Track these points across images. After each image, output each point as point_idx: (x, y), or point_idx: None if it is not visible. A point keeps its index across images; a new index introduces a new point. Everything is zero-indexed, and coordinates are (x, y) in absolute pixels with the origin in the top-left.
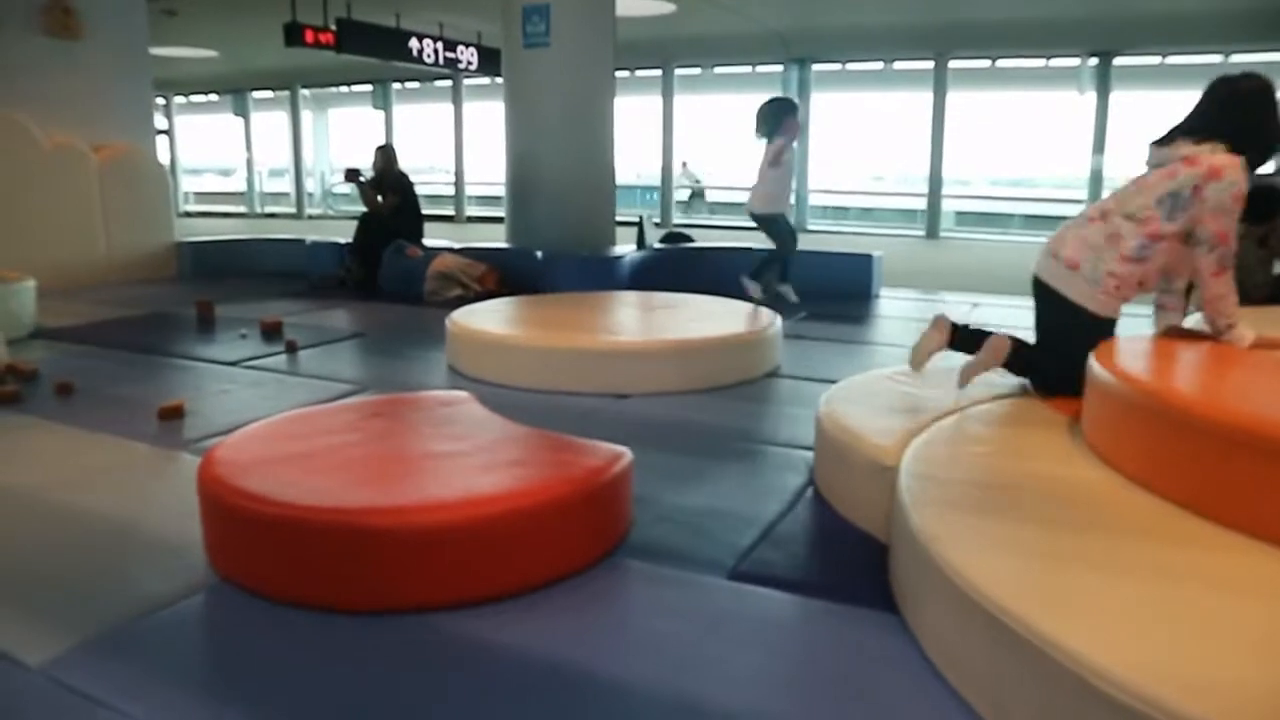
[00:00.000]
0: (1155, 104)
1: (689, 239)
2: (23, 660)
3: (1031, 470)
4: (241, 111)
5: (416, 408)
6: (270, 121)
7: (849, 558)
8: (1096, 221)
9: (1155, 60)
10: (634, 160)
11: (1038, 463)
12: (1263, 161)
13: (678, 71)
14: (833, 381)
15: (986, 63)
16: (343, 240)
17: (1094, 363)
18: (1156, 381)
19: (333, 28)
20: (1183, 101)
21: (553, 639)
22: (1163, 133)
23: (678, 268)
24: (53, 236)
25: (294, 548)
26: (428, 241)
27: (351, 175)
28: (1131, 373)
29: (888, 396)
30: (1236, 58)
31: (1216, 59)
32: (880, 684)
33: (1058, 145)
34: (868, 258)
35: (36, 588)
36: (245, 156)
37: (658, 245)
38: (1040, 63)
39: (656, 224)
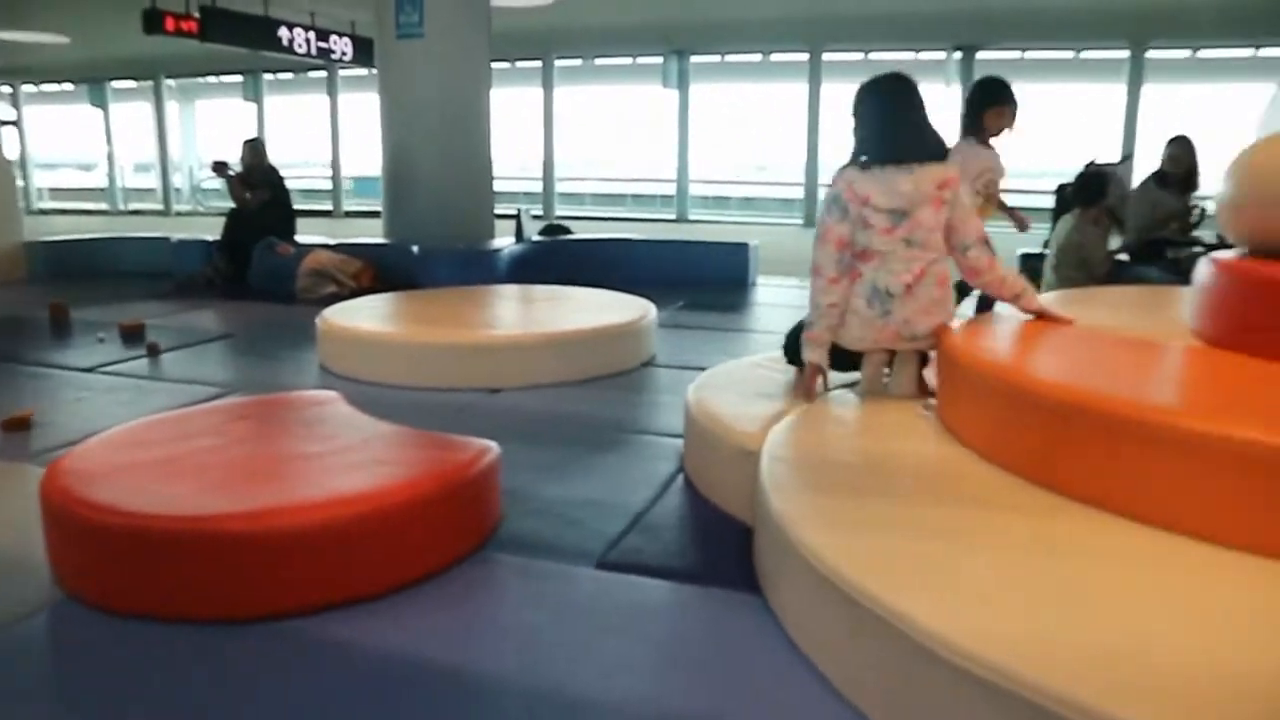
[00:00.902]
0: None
1: (568, 231)
2: None
3: (887, 450)
4: (100, 102)
5: (282, 409)
6: (133, 113)
7: (716, 542)
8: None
9: (1016, 55)
10: (516, 152)
11: (893, 442)
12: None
13: (558, 63)
14: (706, 369)
15: (859, 55)
16: (211, 238)
17: (945, 343)
18: (996, 359)
19: (196, 15)
20: (1039, 94)
21: (418, 637)
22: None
23: (557, 260)
24: None
25: (144, 558)
26: (301, 238)
27: (219, 168)
28: (974, 352)
29: (755, 383)
30: (1088, 54)
31: (1069, 55)
32: (743, 664)
33: None
34: (744, 246)
35: None
36: (106, 150)
37: (536, 238)
38: (910, 55)
39: (536, 216)
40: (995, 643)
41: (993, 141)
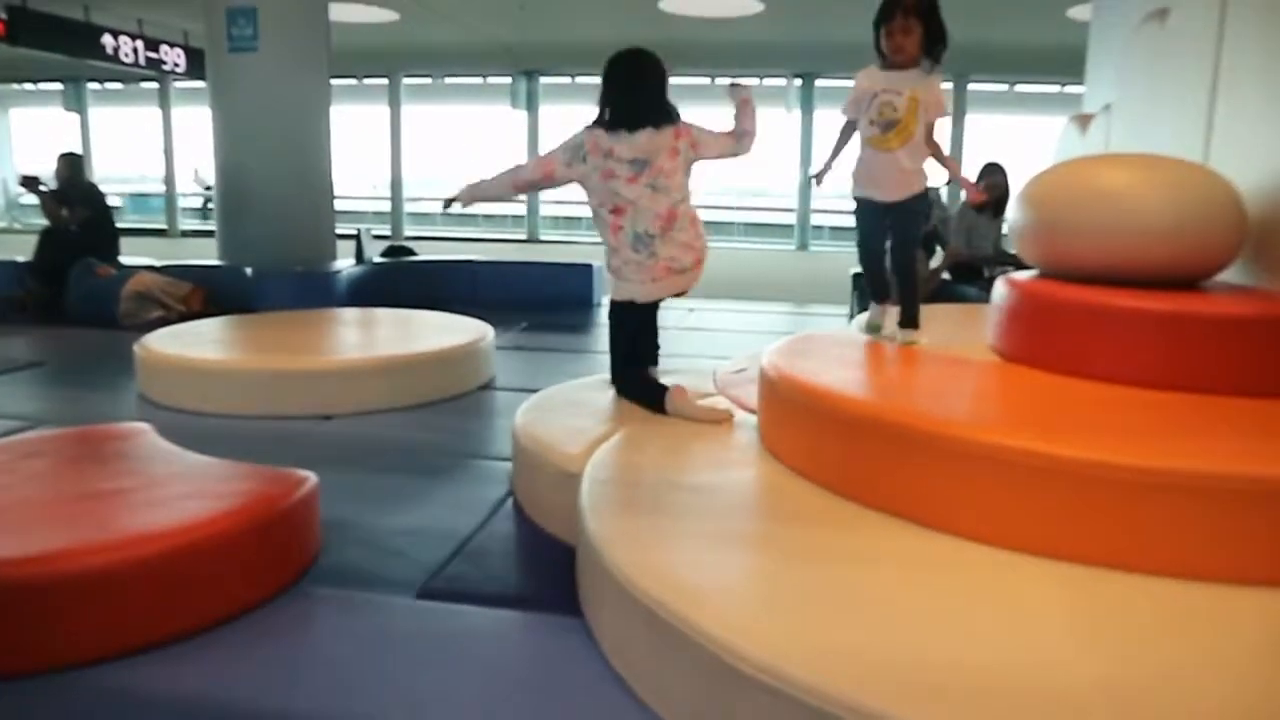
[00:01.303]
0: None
1: (412, 252)
2: None
3: (706, 469)
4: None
5: (84, 443)
6: (29, 119)
7: (541, 567)
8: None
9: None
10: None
11: (713, 462)
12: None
13: (406, 81)
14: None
15: (706, 80)
16: (22, 259)
17: (763, 361)
18: (805, 377)
19: (3, 15)
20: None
21: (222, 680)
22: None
23: (399, 282)
24: None
25: None
26: (127, 259)
27: (29, 183)
28: (787, 370)
29: (585, 405)
30: None
31: None
32: (561, 687)
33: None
34: (589, 268)
35: None
36: None
37: (378, 259)
38: (754, 81)
39: (379, 237)
40: (786, 653)
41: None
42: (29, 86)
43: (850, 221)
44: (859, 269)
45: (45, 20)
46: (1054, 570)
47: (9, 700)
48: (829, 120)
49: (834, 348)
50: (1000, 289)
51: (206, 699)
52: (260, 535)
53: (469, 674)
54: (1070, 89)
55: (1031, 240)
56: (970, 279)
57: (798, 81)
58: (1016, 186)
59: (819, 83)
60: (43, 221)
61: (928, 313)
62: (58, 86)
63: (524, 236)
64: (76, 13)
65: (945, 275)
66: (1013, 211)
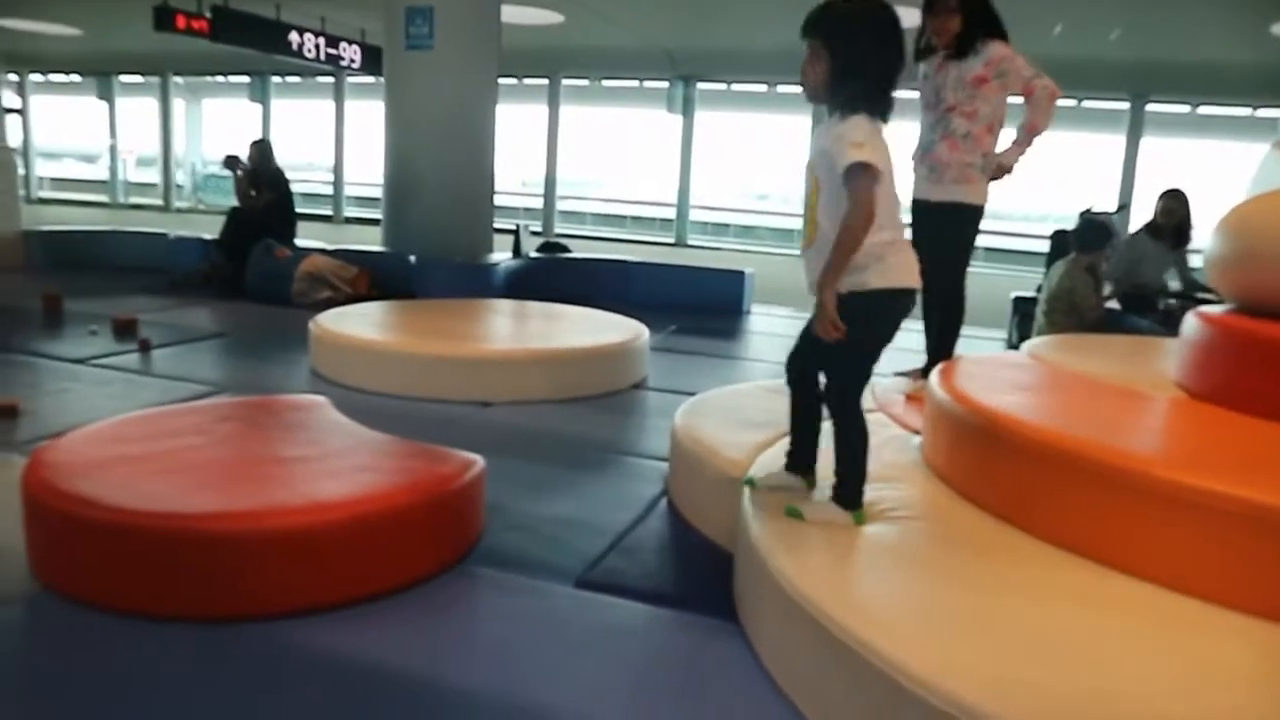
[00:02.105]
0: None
1: (566, 249)
2: None
3: (868, 485)
4: (106, 95)
5: (269, 412)
6: (139, 108)
7: (696, 567)
8: None
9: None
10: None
11: (876, 477)
12: None
13: (565, 82)
14: (695, 394)
15: None
16: (209, 236)
17: (932, 383)
18: (980, 399)
19: (208, 15)
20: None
21: (395, 647)
22: None
23: (553, 278)
24: None
25: (123, 554)
26: (301, 241)
27: (231, 162)
28: (960, 391)
29: (743, 410)
30: (1088, 103)
31: (1070, 103)
32: (717, 690)
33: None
34: (740, 274)
35: None
36: (109, 143)
37: (534, 254)
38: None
39: (535, 233)
40: (962, 679)
41: None
42: (219, 79)
43: (1003, 242)
44: (1021, 293)
45: (242, 18)
46: (1245, 625)
47: (201, 643)
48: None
49: (1004, 370)
50: (1192, 323)
51: (375, 662)
52: (433, 512)
53: (625, 667)
54: (1265, 112)
55: (1229, 273)
56: (1142, 310)
57: None
58: (1201, 215)
59: None
60: (225, 203)
61: (1094, 342)
62: (245, 79)
63: (672, 240)
64: (269, 11)
65: (1113, 305)
66: (1209, 242)
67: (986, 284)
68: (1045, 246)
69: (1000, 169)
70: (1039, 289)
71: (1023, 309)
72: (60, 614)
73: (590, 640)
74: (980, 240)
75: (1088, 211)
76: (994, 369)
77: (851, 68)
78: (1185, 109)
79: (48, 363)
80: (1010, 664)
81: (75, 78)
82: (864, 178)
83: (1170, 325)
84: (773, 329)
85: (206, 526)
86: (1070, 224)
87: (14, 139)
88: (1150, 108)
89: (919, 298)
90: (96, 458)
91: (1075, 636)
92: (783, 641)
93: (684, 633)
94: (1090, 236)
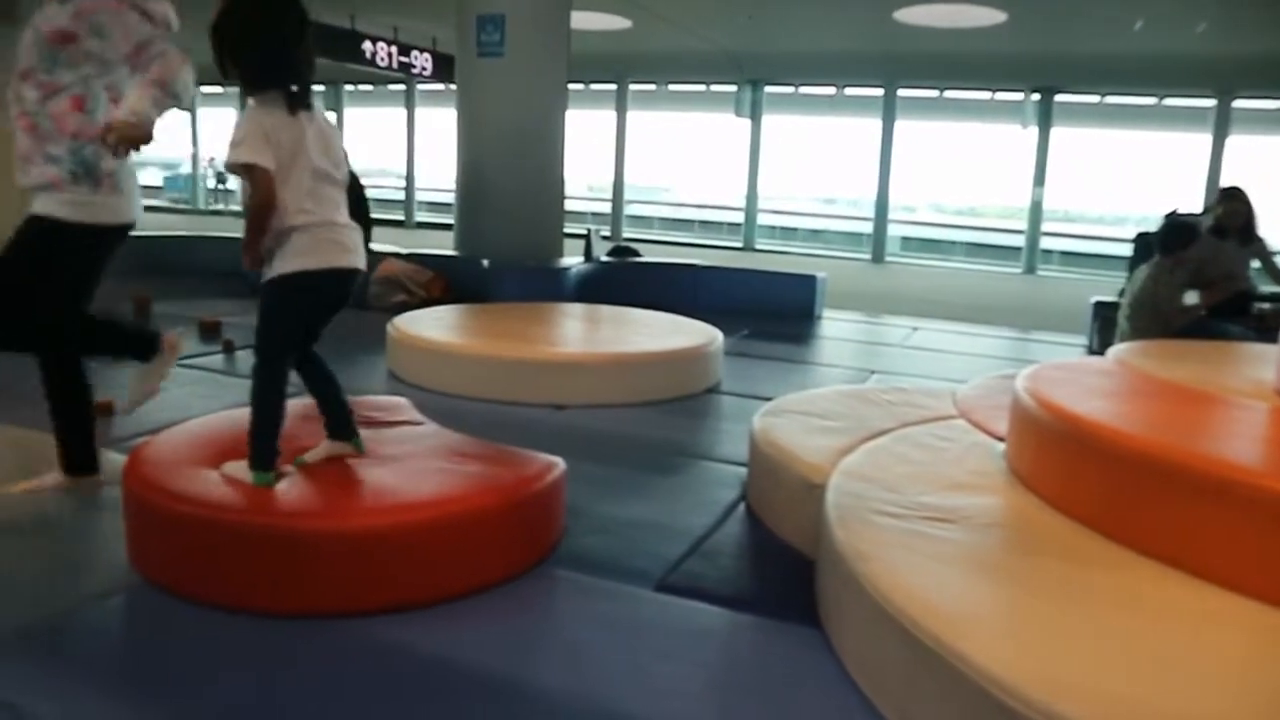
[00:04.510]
0: (1094, 141)
1: (636, 253)
2: None
3: (953, 491)
4: (189, 106)
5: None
6: (219, 117)
7: (776, 573)
8: None
9: (1094, 99)
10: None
11: (961, 484)
12: None
13: (632, 87)
14: (770, 399)
15: (935, 93)
16: None
17: (1017, 386)
18: (1073, 408)
19: None
20: (1120, 140)
21: (479, 646)
22: None
23: (623, 282)
24: None
25: (217, 549)
26: (376, 246)
27: None
28: (1048, 398)
29: (822, 415)
30: (1170, 100)
31: (1151, 100)
32: (799, 697)
33: (1002, 176)
34: (812, 279)
35: None
36: (191, 152)
37: (604, 259)
38: (987, 96)
39: (604, 237)
40: (1066, 695)
41: None
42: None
43: (1081, 245)
44: (1101, 297)
45: (319, 29)
46: None
47: (291, 638)
48: (1066, 137)
49: (1090, 376)
50: None
51: (459, 661)
52: (516, 514)
53: (707, 671)
54: None
55: None
56: (1232, 314)
57: (1035, 96)
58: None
59: (1058, 98)
60: None
61: (1182, 348)
62: (319, 88)
63: (739, 244)
64: (344, 21)
65: (1196, 306)
66: None
67: (1065, 289)
68: (1126, 249)
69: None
70: (1121, 293)
71: (1104, 314)
72: (157, 605)
73: (671, 644)
74: (1056, 244)
75: (1173, 213)
76: (1080, 375)
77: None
78: (1276, 105)
79: (138, 363)
80: (1107, 679)
81: None
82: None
83: (1263, 330)
84: (845, 334)
85: (298, 525)
86: (1153, 226)
87: None
88: (1236, 104)
89: None
90: (191, 456)
91: (1174, 653)
92: (869, 649)
93: (766, 638)
94: (1175, 239)
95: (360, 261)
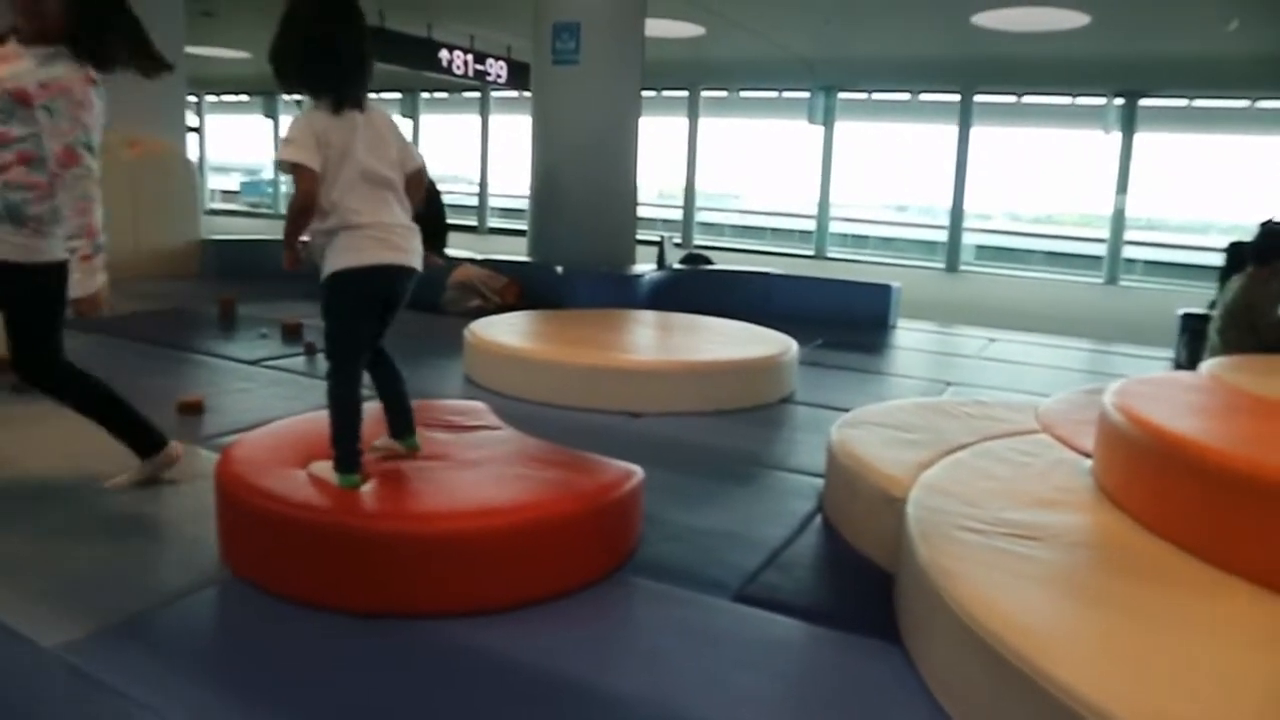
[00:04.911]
0: (1180, 146)
1: (708, 261)
2: (39, 641)
3: (1039, 508)
4: (271, 113)
5: (432, 416)
6: None
7: (854, 586)
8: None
9: (1181, 103)
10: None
11: (1046, 500)
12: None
13: (704, 93)
14: (846, 410)
15: (1012, 98)
16: None
17: (1106, 402)
18: (1168, 425)
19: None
20: (1208, 144)
21: (558, 651)
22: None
23: (696, 289)
24: None
25: (307, 549)
26: (451, 251)
27: None
28: (1143, 415)
29: (900, 427)
30: (1263, 103)
31: (1243, 104)
32: (880, 712)
33: (1081, 183)
34: (886, 288)
35: (54, 571)
36: (272, 158)
37: (677, 266)
38: (1066, 100)
39: (677, 244)
40: None
41: None
42: (372, 96)
43: (1166, 255)
44: (1190, 309)
45: (398, 38)
46: None
47: (376, 636)
48: (1151, 143)
49: (1183, 392)
50: None
51: (543, 665)
52: (595, 520)
53: (786, 683)
54: None
55: None
56: None
57: (1118, 101)
58: None
59: (1142, 102)
60: None
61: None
62: (396, 96)
63: (811, 252)
64: (421, 30)
65: None
66: None
67: (1149, 299)
68: (1215, 259)
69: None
70: (1211, 305)
71: (1192, 326)
72: (247, 600)
73: (749, 655)
74: (1140, 253)
75: (1269, 222)
76: (1172, 390)
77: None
78: None
79: (226, 363)
80: (1209, 712)
81: (244, 97)
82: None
83: None
84: (920, 344)
85: (382, 527)
86: (1245, 234)
87: (191, 155)
88: None
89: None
90: (280, 455)
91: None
92: (954, 668)
93: (844, 652)
94: (1270, 248)
95: (412, 261)
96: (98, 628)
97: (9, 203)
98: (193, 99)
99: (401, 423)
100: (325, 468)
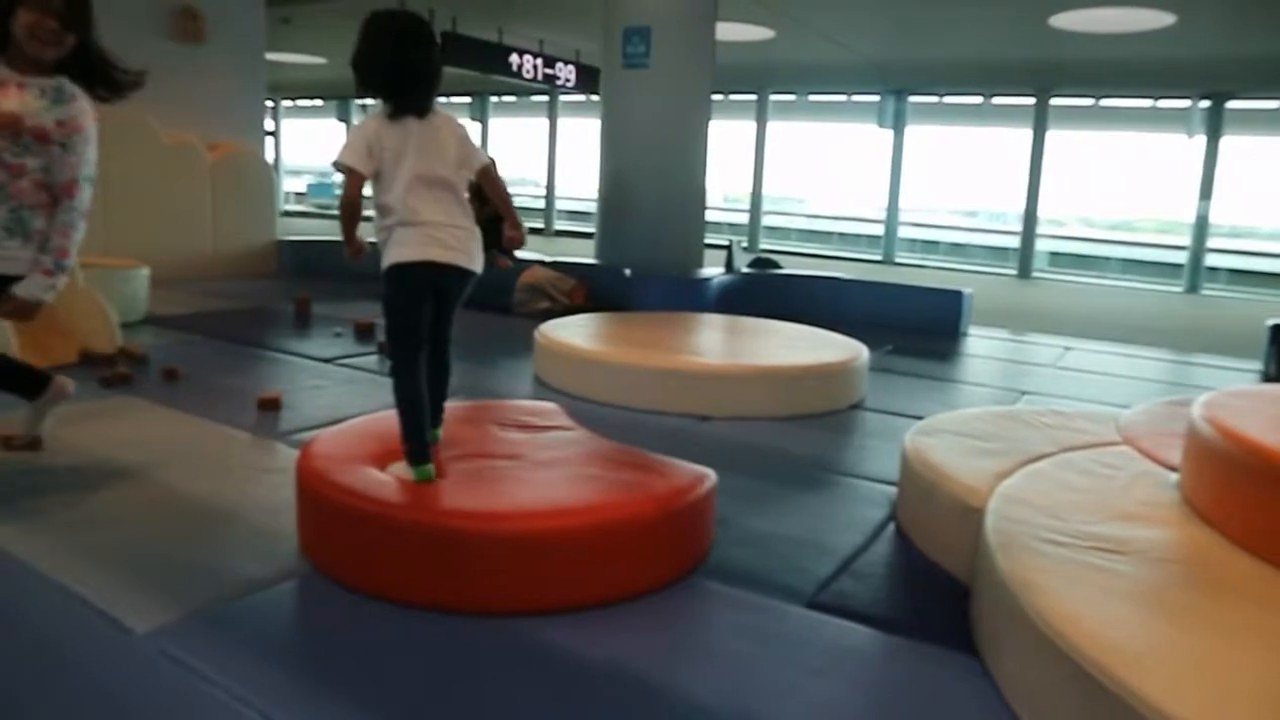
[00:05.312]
0: (1269, 150)
1: (777, 265)
2: (130, 627)
3: (1123, 521)
4: (344, 117)
5: (506, 415)
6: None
7: (929, 596)
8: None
9: (1272, 105)
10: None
11: (1131, 514)
12: None
13: (772, 97)
14: (918, 417)
15: (1090, 101)
16: None
17: (1194, 414)
18: (1263, 439)
19: (438, 40)
20: None
21: (634, 653)
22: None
23: (764, 293)
24: (166, 228)
25: (385, 544)
26: (520, 253)
27: None
28: (1235, 429)
29: (976, 436)
30: None
31: None
32: None
33: (1161, 188)
34: (958, 294)
35: (143, 560)
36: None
37: (745, 270)
38: (1147, 103)
39: (745, 248)
40: None
41: None
42: (442, 99)
43: (1254, 264)
44: (1279, 320)
45: (469, 43)
46: None
47: (451, 633)
48: (1237, 147)
49: (1276, 406)
50: None
51: (619, 666)
52: (669, 523)
53: (862, 692)
54: None
55: None
56: None
57: (1204, 103)
58: None
59: (1230, 104)
60: None
61: None
62: (466, 99)
63: (879, 257)
64: (492, 35)
65: None
66: None
67: (1234, 309)
68: None
69: (11, 317)
70: None
71: None
72: (327, 594)
73: (823, 663)
74: (1224, 261)
75: None
76: (1264, 403)
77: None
78: None
79: (302, 361)
80: None
81: (318, 101)
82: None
83: None
84: (992, 352)
85: (459, 525)
86: None
87: (268, 157)
88: None
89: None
90: (359, 452)
91: None
92: (1035, 682)
93: (920, 662)
94: None
95: (460, 260)
96: (187, 615)
97: (21, 220)
98: (269, 103)
99: (433, 412)
100: (402, 467)
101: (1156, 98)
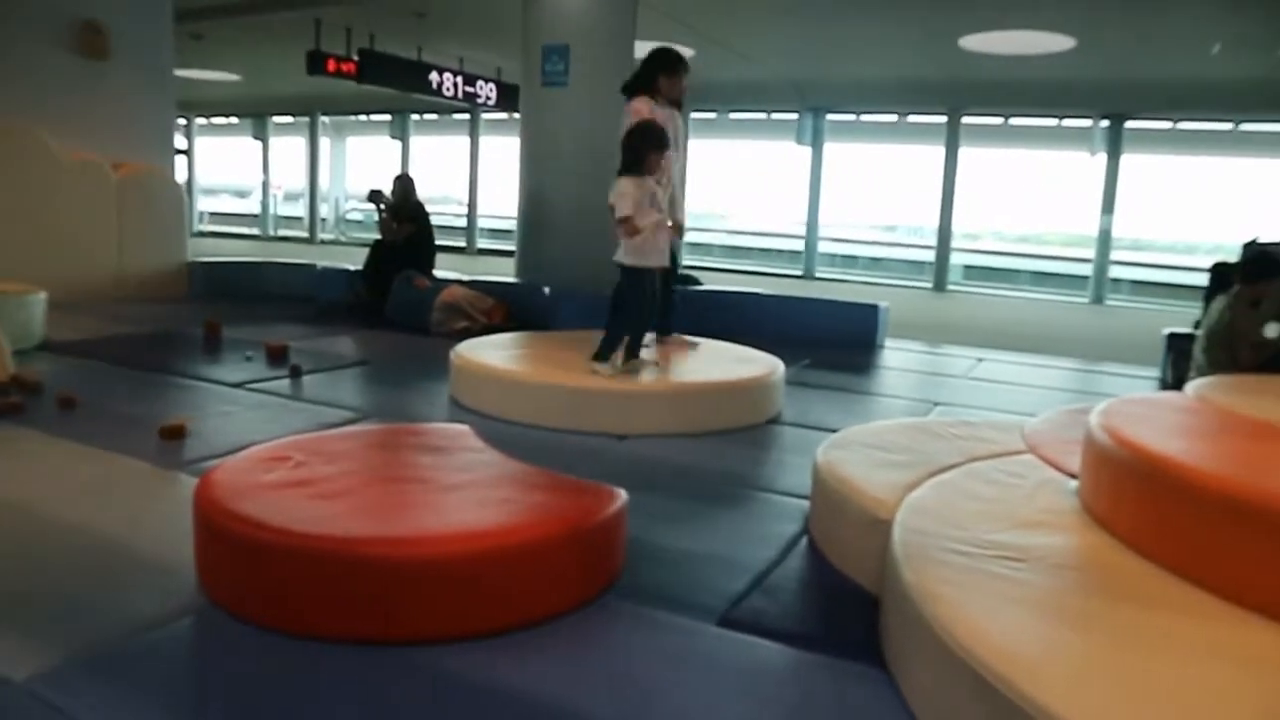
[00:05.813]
0: (1165, 167)
1: (697, 282)
2: (8, 674)
3: (1026, 529)
4: (260, 135)
5: (416, 439)
6: (288, 146)
7: (841, 610)
8: None
9: (1166, 125)
10: None
11: (1032, 522)
12: None
13: (693, 115)
14: (833, 430)
15: (999, 120)
16: (353, 266)
17: (1092, 422)
18: (1155, 446)
19: (355, 58)
20: (1193, 166)
21: (537, 678)
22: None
23: (684, 310)
24: (68, 250)
25: (286, 574)
26: (439, 272)
27: (374, 196)
28: (1129, 437)
29: (887, 448)
30: (1246, 126)
31: (1227, 126)
32: None
33: (1067, 204)
34: (874, 308)
35: (26, 601)
36: (261, 179)
37: None
38: (1053, 122)
39: None
40: None
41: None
42: (362, 118)
43: (1152, 275)
44: (1175, 328)
45: (387, 60)
46: None
47: (355, 664)
48: (1136, 164)
49: (1170, 413)
50: None
51: (520, 692)
52: (579, 544)
53: (774, 711)
54: None
55: None
56: None
57: (1104, 123)
58: None
59: (1128, 124)
60: (366, 235)
61: (1269, 385)
62: (386, 117)
63: (800, 272)
64: (411, 53)
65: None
66: None
67: (1135, 319)
68: (1200, 279)
69: None
70: (1196, 324)
71: (1178, 346)
72: (226, 630)
73: (735, 681)
74: (1126, 273)
75: (1253, 242)
76: (1159, 411)
77: None
78: None
79: (210, 386)
80: None
81: (233, 119)
82: None
83: None
84: (907, 364)
85: (367, 551)
86: (1229, 255)
87: (180, 177)
88: None
89: None
90: (261, 480)
91: (1273, 708)
92: (940, 695)
93: (831, 677)
94: (1256, 268)
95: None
96: (70, 658)
97: None
98: (182, 121)
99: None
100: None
101: (1061, 117)
